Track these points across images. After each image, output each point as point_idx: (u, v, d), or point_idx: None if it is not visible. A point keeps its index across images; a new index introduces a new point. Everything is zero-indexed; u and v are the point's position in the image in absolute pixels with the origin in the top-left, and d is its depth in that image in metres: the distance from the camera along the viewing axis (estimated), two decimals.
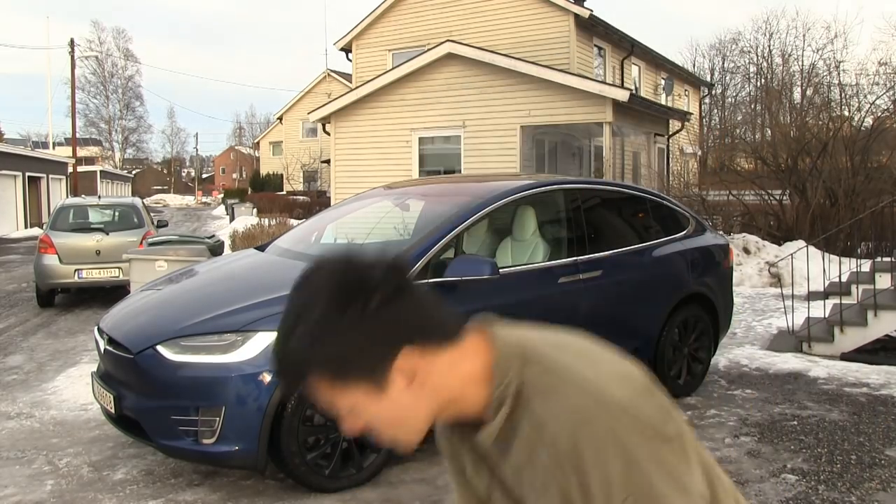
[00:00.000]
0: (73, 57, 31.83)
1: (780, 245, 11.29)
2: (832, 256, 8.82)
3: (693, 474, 0.89)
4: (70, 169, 32.02)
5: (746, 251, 11.20)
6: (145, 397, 3.69)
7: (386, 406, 0.90)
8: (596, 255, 4.79)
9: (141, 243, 9.42)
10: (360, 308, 0.87)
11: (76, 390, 5.66)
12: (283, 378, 0.92)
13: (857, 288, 7.00)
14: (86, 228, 10.23)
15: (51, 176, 29.68)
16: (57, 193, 30.00)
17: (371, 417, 0.91)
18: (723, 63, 45.02)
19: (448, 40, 14.81)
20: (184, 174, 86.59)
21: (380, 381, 0.89)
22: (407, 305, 0.90)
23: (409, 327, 0.90)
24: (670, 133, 18.05)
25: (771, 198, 12.82)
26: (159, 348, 3.62)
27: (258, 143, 56.94)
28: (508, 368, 0.93)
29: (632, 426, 0.85)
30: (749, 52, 43.08)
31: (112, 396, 3.80)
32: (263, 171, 50.25)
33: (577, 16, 16.12)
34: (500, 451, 0.96)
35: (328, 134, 16.50)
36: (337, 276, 0.89)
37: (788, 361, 6.19)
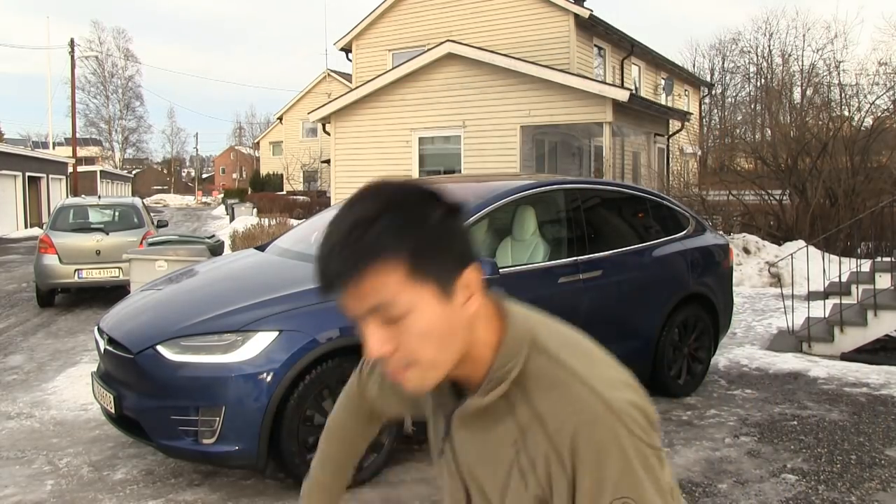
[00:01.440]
0: (73, 57, 31.83)
1: (780, 245, 11.30)
2: (832, 256, 8.83)
3: (671, 486, 0.92)
4: (70, 169, 32.02)
5: (746, 251, 11.20)
6: (145, 397, 3.69)
7: (440, 318, 0.88)
8: (596, 255, 4.79)
9: (141, 243, 9.41)
10: (440, 211, 0.88)
11: (76, 390, 5.66)
12: (349, 260, 0.85)
13: (857, 288, 7.00)
14: (86, 228, 10.22)
15: (51, 176, 29.68)
16: (57, 193, 29.99)
17: (418, 329, 0.87)
18: (723, 63, 45.07)
19: (448, 40, 14.81)
20: (184, 174, 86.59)
21: (448, 288, 0.88)
22: (466, 227, 0.93)
23: (472, 246, 0.92)
24: (670, 133, 18.06)
25: (771, 198, 12.82)
26: (159, 348, 3.62)
27: (258, 143, 56.93)
28: (515, 351, 0.93)
29: (632, 432, 0.86)
30: (749, 52, 43.11)
31: (112, 396, 3.80)
32: (263, 171, 50.25)
33: (577, 16, 16.12)
34: (469, 424, 0.97)
35: (328, 134, 16.51)
36: (412, 185, 0.90)
37: (788, 361, 6.19)
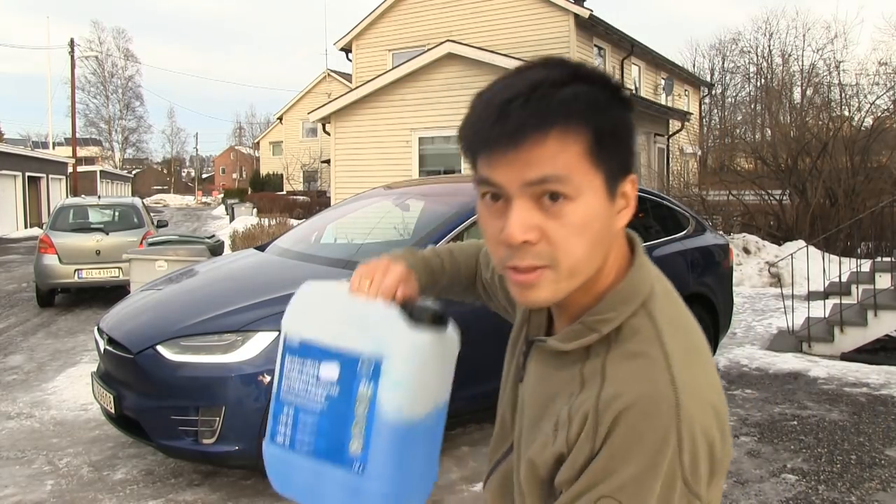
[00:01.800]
0: (73, 57, 31.83)
1: (780, 245, 11.30)
2: (832, 256, 8.83)
3: None
4: (70, 169, 32.01)
5: (746, 251, 11.20)
6: (145, 397, 3.69)
7: (601, 215, 0.77)
8: None
9: (141, 243, 9.41)
10: (621, 102, 0.79)
11: (76, 390, 5.66)
12: (535, 115, 0.74)
13: (857, 288, 7.00)
14: (86, 228, 10.22)
15: (51, 176, 29.68)
16: (57, 193, 29.99)
17: (577, 219, 0.75)
18: (723, 63, 45.03)
19: (448, 40, 14.81)
20: (184, 174, 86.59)
21: (613, 187, 0.78)
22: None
23: (634, 154, 0.82)
24: (670, 133, 18.06)
25: (771, 198, 12.82)
26: (159, 348, 3.62)
27: (258, 143, 56.93)
28: (625, 300, 0.82)
29: (681, 458, 0.73)
30: (749, 52, 43.07)
31: (112, 396, 3.80)
32: (263, 171, 50.24)
33: (577, 16, 16.12)
34: (542, 358, 0.88)
35: (328, 134, 16.50)
36: (596, 68, 0.81)
37: (788, 361, 6.19)
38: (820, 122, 13.57)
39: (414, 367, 0.90)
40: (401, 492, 0.92)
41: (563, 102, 0.74)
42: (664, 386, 0.74)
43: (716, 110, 42.18)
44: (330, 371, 0.91)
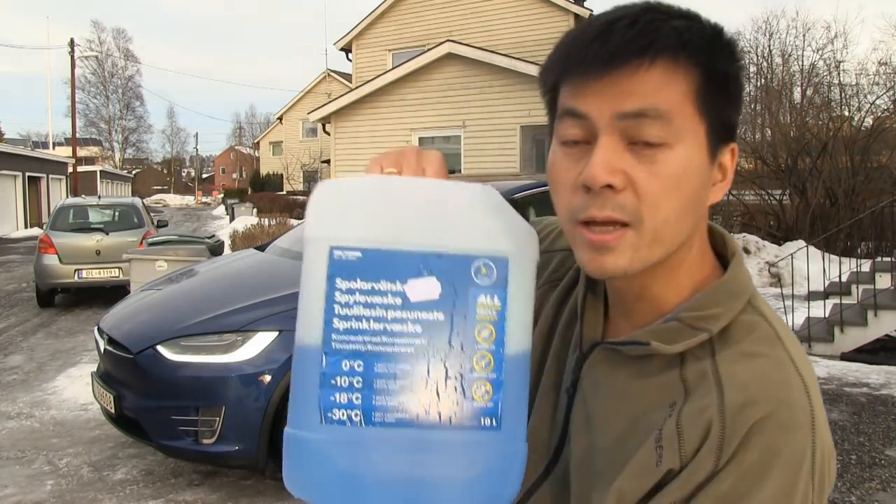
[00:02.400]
0: (73, 57, 31.84)
1: (780, 245, 11.30)
2: (832, 256, 8.83)
3: None
4: (70, 169, 32.02)
5: (746, 251, 11.21)
6: (145, 397, 3.69)
7: (699, 172, 0.66)
8: None
9: (141, 243, 9.42)
10: (736, 59, 0.68)
11: (76, 390, 5.66)
12: (645, 36, 0.63)
13: (857, 288, 7.00)
14: (86, 228, 10.23)
15: (51, 176, 29.69)
16: (57, 193, 30.00)
17: (672, 168, 0.64)
18: None
19: (448, 40, 14.82)
20: (184, 174, 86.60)
21: (715, 144, 0.67)
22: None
23: (737, 123, 0.71)
24: None
25: (771, 198, 12.82)
26: (159, 348, 3.62)
27: (258, 143, 56.95)
28: (732, 295, 0.69)
29: (819, 472, 0.63)
30: (749, 52, 43.07)
31: (112, 396, 3.80)
32: (263, 171, 50.26)
33: (577, 16, 16.13)
34: (614, 362, 0.72)
35: (328, 134, 16.51)
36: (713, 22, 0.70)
37: None
38: (820, 122, 13.57)
39: (532, 269, 0.67)
40: (523, 450, 0.66)
41: (676, 30, 0.63)
42: (798, 392, 0.63)
43: None
44: (426, 287, 0.63)
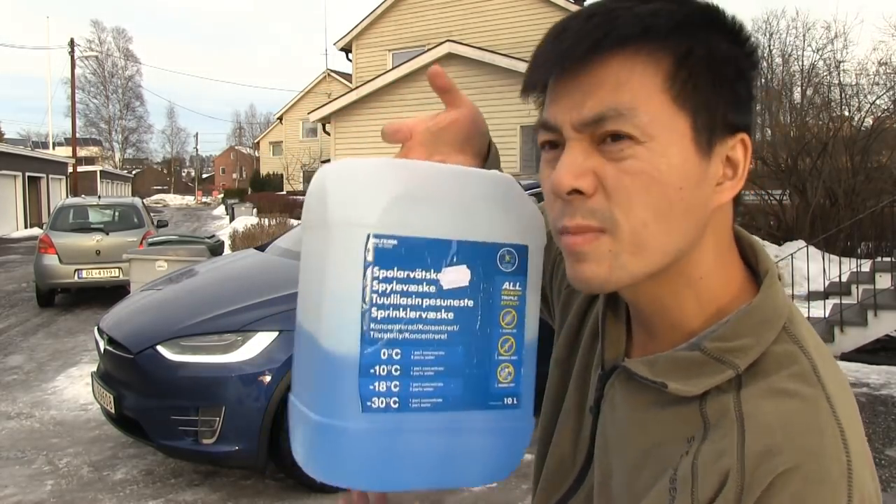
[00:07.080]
0: (73, 57, 31.84)
1: (780, 245, 11.30)
2: (832, 256, 8.83)
3: None
4: (70, 169, 32.02)
5: None
6: (145, 397, 3.69)
7: (680, 169, 0.58)
8: None
9: (141, 243, 9.43)
10: (729, 36, 0.60)
11: (76, 390, 5.66)
12: (600, 29, 0.57)
13: (857, 288, 7.00)
14: (86, 228, 10.23)
15: (51, 176, 29.69)
16: (57, 193, 30.00)
17: (643, 168, 0.57)
18: None
19: (448, 40, 14.83)
20: (184, 174, 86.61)
21: (705, 140, 0.59)
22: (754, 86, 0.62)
23: (751, 111, 0.62)
24: None
25: (771, 198, 12.82)
26: (159, 348, 3.62)
27: (258, 143, 56.99)
28: (767, 322, 0.60)
29: None
30: None
31: (112, 396, 3.80)
32: (263, 171, 50.29)
33: None
34: (634, 389, 0.65)
35: (328, 134, 16.52)
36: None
37: None
38: (820, 122, 13.56)
39: (541, 255, 0.70)
40: (532, 425, 0.70)
41: (637, 16, 0.56)
42: (832, 442, 0.54)
43: None
44: (458, 275, 0.64)
